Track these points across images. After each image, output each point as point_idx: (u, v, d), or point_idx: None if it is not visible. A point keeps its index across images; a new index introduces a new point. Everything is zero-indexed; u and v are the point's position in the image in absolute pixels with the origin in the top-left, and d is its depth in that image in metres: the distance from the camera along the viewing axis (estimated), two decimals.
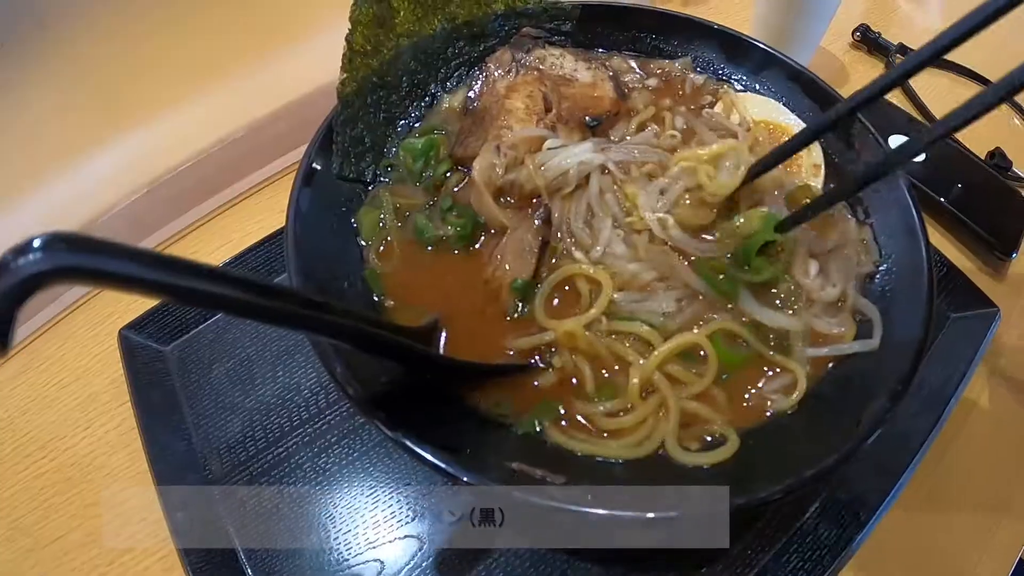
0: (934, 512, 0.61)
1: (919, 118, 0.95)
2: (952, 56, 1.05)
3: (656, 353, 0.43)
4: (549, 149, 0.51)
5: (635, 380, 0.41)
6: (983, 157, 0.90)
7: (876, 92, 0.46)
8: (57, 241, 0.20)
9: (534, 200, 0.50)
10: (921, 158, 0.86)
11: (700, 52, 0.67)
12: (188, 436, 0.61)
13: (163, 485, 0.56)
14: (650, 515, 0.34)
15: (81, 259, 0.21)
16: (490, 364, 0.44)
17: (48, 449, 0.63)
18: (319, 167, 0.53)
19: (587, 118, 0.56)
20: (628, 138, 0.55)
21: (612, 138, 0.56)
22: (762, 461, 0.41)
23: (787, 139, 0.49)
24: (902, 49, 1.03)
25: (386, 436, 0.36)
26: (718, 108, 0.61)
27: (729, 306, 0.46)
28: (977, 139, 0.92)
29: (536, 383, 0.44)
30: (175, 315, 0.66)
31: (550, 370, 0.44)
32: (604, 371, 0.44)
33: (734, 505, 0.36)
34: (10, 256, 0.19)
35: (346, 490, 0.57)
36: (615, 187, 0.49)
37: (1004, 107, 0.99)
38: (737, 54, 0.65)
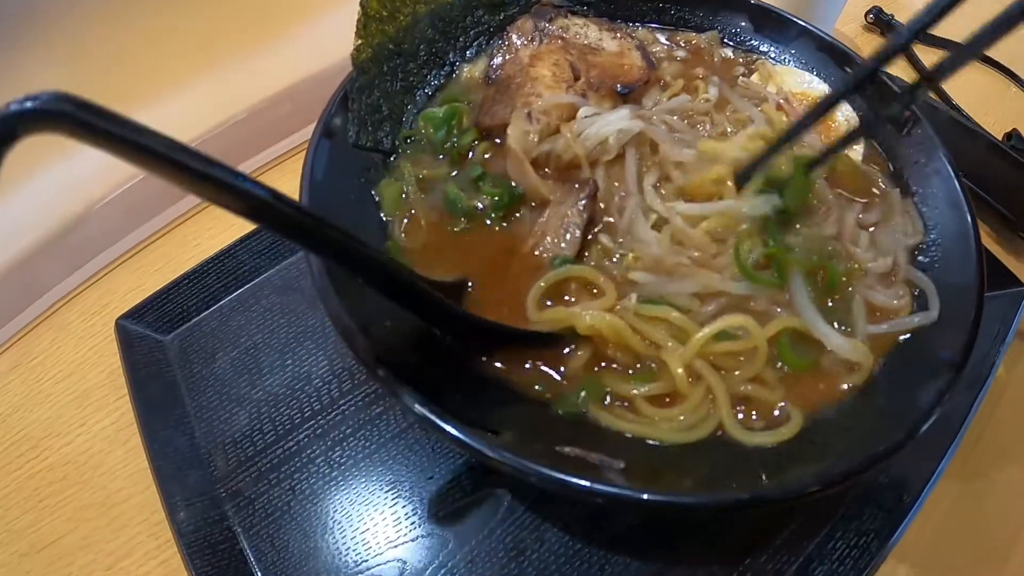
0: (974, 493, 0.59)
1: (938, 100, 0.94)
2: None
3: (695, 339, 0.39)
4: (585, 117, 0.48)
5: (679, 369, 0.38)
6: (1000, 139, 0.90)
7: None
8: (65, 97, 0.22)
9: (573, 171, 0.47)
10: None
11: (727, 24, 0.65)
12: (191, 430, 0.57)
13: (164, 483, 0.52)
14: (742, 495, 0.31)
15: (82, 112, 0.22)
16: (517, 328, 0.41)
17: (42, 447, 0.59)
18: (334, 136, 0.49)
19: (618, 86, 0.53)
20: (662, 106, 0.52)
21: (646, 105, 0.53)
22: (830, 440, 0.39)
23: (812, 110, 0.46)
24: (916, 31, 1.02)
25: (426, 422, 0.33)
26: (754, 78, 0.59)
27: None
28: (993, 121, 0.92)
29: (569, 360, 0.41)
30: (175, 302, 0.62)
31: (578, 352, 0.40)
32: (638, 357, 0.41)
33: (808, 484, 0.33)
34: (16, 100, 0.21)
35: (363, 485, 0.53)
36: (649, 163, 0.46)
37: (1016, 90, 0.99)
38: (765, 25, 0.63)
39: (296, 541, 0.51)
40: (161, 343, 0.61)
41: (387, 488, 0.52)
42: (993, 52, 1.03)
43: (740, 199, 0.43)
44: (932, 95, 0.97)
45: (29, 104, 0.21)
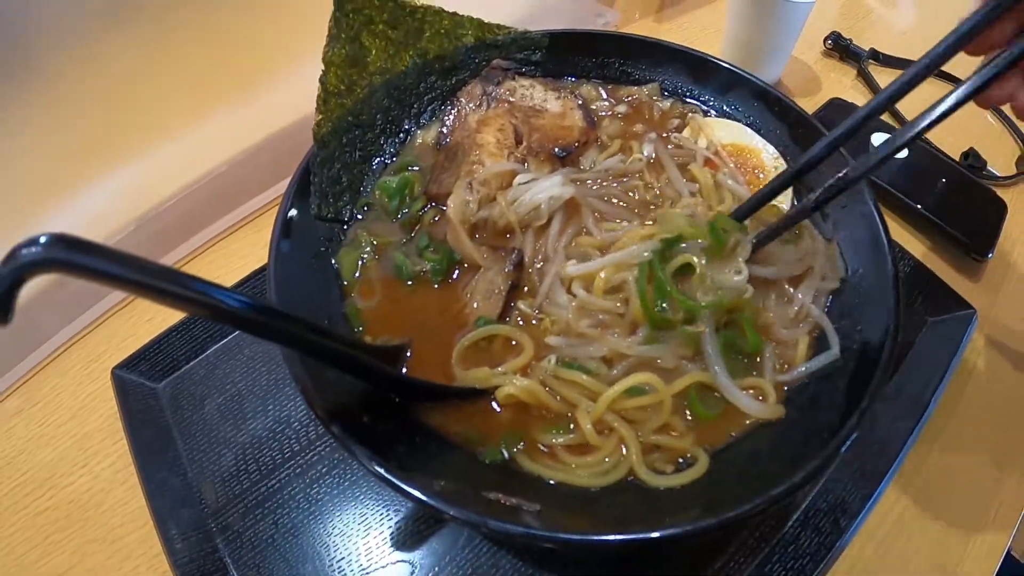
0: (915, 516, 0.62)
1: (892, 121, 0.96)
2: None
3: (603, 398, 0.43)
4: (520, 184, 0.52)
5: (588, 425, 0.42)
6: (957, 158, 0.92)
7: (850, 128, 0.47)
8: (58, 240, 0.27)
9: (508, 235, 0.52)
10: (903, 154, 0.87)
11: (667, 75, 0.69)
12: (183, 471, 0.62)
13: (161, 520, 0.58)
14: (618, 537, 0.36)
15: (75, 256, 0.27)
16: (448, 386, 0.46)
17: (47, 487, 0.64)
18: (298, 210, 0.54)
19: (556, 149, 0.57)
20: (596, 168, 0.57)
21: (582, 166, 0.58)
22: (733, 480, 0.43)
23: (762, 186, 0.50)
24: (874, 54, 1.05)
25: (373, 474, 0.38)
26: (686, 132, 0.63)
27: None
28: (951, 139, 0.93)
29: (495, 414, 0.46)
30: (166, 352, 0.68)
31: (499, 408, 0.45)
32: (552, 412, 0.45)
33: (704, 526, 0.37)
34: (19, 247, 0.26)
35: (338, 518, 0.58)
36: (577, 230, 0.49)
37: (975, 107, 1.01)
38: (703, 75, 0.67)
39: (280, 570, 0.56)
40: (154, 390, 0.67)
41: (359, 520, 0.58)
42: (950, 67, 1.05)
43: (626, 249, 0.47)
44: (887, 115, 0.99)
45: (34, 250, 0.27)
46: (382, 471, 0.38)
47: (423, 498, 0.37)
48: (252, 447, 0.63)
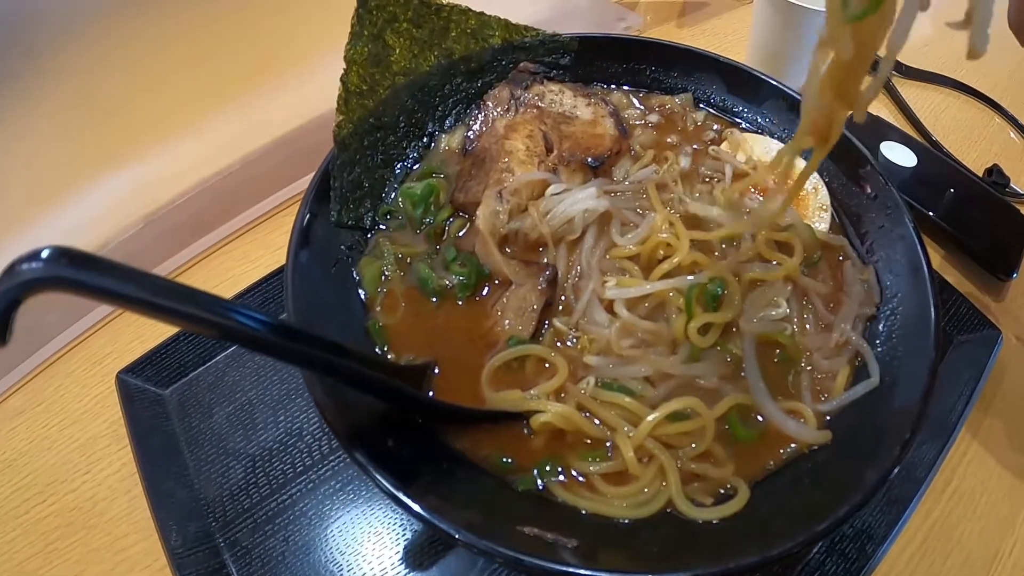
0: (941, 540, 0.61)
1: (916, 136, 0.95)
2: (948, 72, 1.04)
3: (645, 422, 0.41)
4: (553, 195, 0.50)
5: (629, 453, 0.41)
6: (980, 174, 0.90)
7: None
8: (61, 255, 0.24)
9: (540, 249, 0.50)
10: (912, 164, 0.85)
11: (700, 84, 0.66)
12: (190, 482, 0.60)
13: (167, 533, 0.56)
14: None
15: (80, 273, 0.25)
16: (478, 409, 0.44)
17: (48, 493, 0.62)
18: (317, 215, 0.52)
19: (589, 159, 0.55)
20: (629, 179, 0.55)
21: (615, 177, 0.56)
22: (774, 514, 0.41)
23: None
24: (898, 66, 1.03)
25: (400, 504, 0.36)
26: (724, 147, 0.61)
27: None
28: (974, 155, 0.92)
29: (529, 439, 0.44)
30: (173, 358, 0.66)
31: (533, 431, 0.43)
32: (594, 439, 0.43)
33: (750, 563, 0.36)
34: (18, 261, 0.24)
35: (352, 536, 0.56)
36: (609, 244, 0.48)
37: (1000, 121, 1.00)
38: (738, 85, 0.65)
39: None
40: (160, 397, 0.65)
41: (373, 540, 0.56)
42: (974, 81, 1.04)
43: (673, 279, 0.46)
44: (904, 121, 0.97)
45: (35, 266, 0.24)
46: (411, 503, 0.36)
47: (456, 535, 0.35)
48: (262, 459, 0.60)
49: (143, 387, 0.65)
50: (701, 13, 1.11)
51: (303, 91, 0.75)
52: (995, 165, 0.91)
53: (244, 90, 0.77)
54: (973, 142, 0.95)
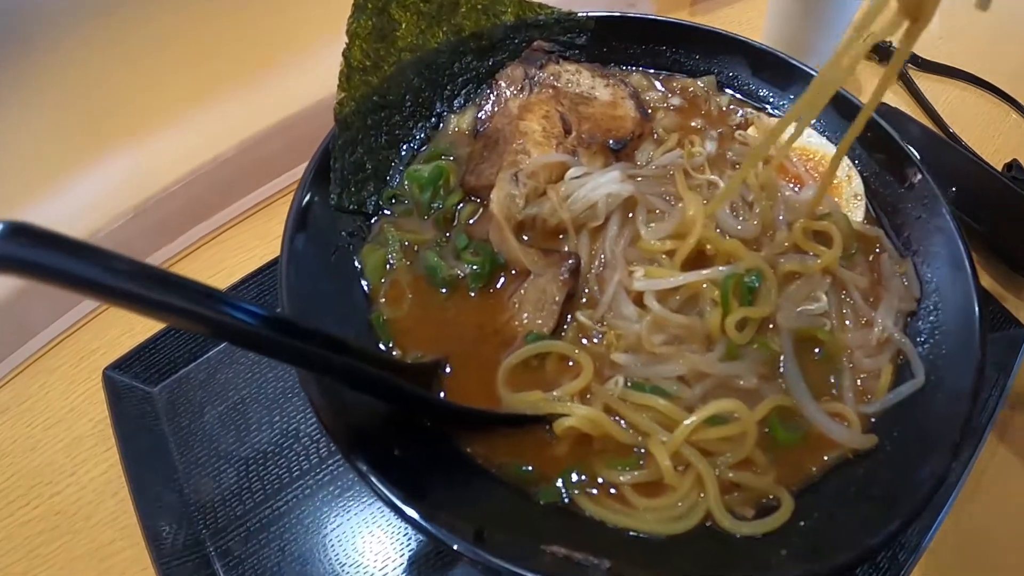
0: (973, 545, 0.58)
1: (934, 128, 0.92)
2: (966, 66, 1.01)
3: (682, 427, 0.37)
4: (573, 179, 0.46)
5: (666, 462, 0.37)
6: (1000, 169, 0.87)
7: None
8: (19, 232, 0.20)
9: (560, 236, 0.46)
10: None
11: (724, 67, 0.63)
12: (179, 487, 0.56)
13: (154, 540, 0.52)
14: None
15: (39, 254, 0.21)
16: (494, 412, 0.40)
17: (32, 495, 0.59)
18: (316, 198, 0.48)
19: (611, 141, 0.51)
20: (653, 163, 0.51)
21: (638, 162, 0.52)
22: (821, 527, 0.38)
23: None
24: (915, 59, 1.00)
25: (412, 523, 0.32)
26: (751, 131, 0.57)
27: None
28: (992, 150, 0.90)
29: (552, 444, 0.40)
30: (163, 353, 0.62)
31: (555, 437, 0.39)
32: (623, 445, 0.39)
33: None
34: None
35: (352, 547, 0.52)
36: (634, 232, 0.44)
37: (1017, 116, 0.97)
38: (763, 68, 0.61)
39: None
40: (149, 395, 0.61)
41: (376, 550, 0.52)
42: (991, 76, 1.01)
43: (707, 269, 0.42)
44: (924, 116, 0.94)
45: None
46: (424, 522, 0.32)
47: (478, 557, 0.31)
48: (256, 463, 0.56)
49: (131, 384, 0.61)
50: (714, 2, 1.08)
51: (302, 75, 0.71)
52: (1015, 160, 0.89)
53: (240, 73, 0.73)
54: (991, 136, 0.93)
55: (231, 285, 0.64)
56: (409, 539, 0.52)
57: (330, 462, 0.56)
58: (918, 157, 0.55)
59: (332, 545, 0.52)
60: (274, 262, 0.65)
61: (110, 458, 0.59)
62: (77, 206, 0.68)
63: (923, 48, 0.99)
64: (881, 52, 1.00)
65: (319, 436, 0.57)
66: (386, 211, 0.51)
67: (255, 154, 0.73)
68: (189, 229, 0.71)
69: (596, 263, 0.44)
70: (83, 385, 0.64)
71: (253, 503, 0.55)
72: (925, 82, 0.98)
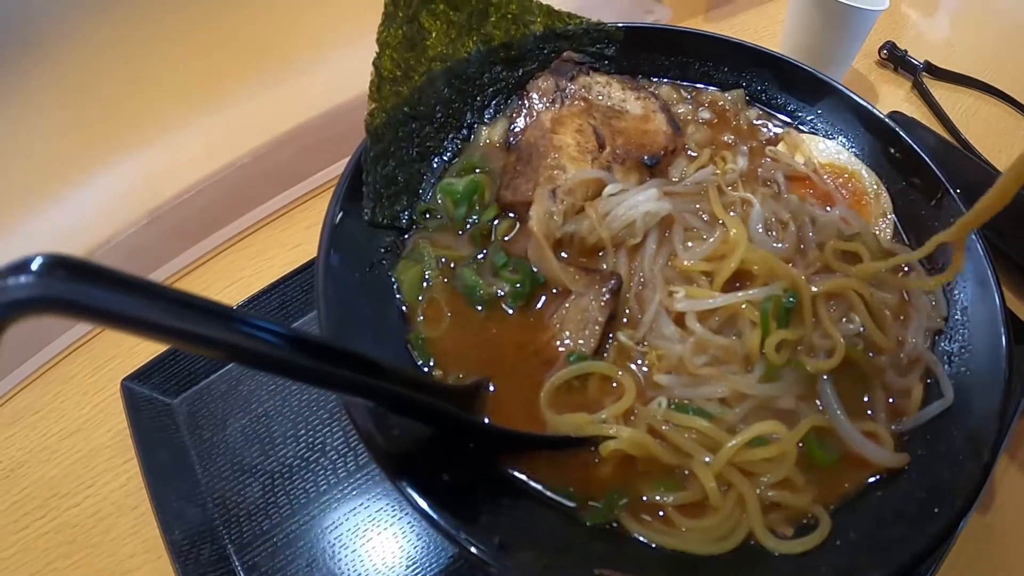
0: (987, 556, 0.59)
1: (949, 138, 0.93)
2: (982, 76, 1.01)
3: (725, 448, 0.38)
4: (610, 196, 0.46)
5: (711, 483, 0.37)
6: None
7: None
8: (57, 266, 0.18)
9: (599, 253, 0.45)
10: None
11: (752, 80, 0.63)
12: (203, 501, 0.56)
13: (178, 557, 0.51)
14: None
15: (82, 292, 0.19)
16: (538, 435, 0.40)
17: (49, 507, 0.57)
18: (348, 213, 0.47)
19: (645, 157, 0.51)
20: (688, 180, 0.51)
21: (672, 178, 0.52)
22: (857, 545, 0.38)
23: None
24: (929, 67, 1.01)
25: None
26: (781, 147, 0.57)
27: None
28: (1006, 160, 0.90)
29: (597, 467, 0.40)
30: (182, 364, 0.61)
31: (599, 458, 0.39)
32: (667, 466, 0.39)
33: None
34: (4, 274, 0.17)
35: (382, 562, 0.52)
36: (671, 251, 0.44)
37: None
38: (792, 82, 0.61)
39: None
40: (169, 406, 0.60)
41: (407, 565, 0.52)
42: (1003, 84, 1.02)
43: (745, 291, 0.42)
44: (946, 133, 0.96)
45: (23, 281, 0.17)
46: (482, 555, 0.32)
47: None
48: (282, 476, 0.56)
49: (150, 396, 0.60)
50: (728, 8, 1.08)
51: (322, 77, 0.70)
52: None
53: (259, 75, 0.71)
54: (1004, 145, 0.94)
55: (252, 295, 0.63)
56: (441, 553, 0.52)
57: (358, 475, 0.55)
58: (945, 175, 0.56)
59: (363, 560, 0.52)
60: (295, 272, 0.64)
61: (129, 470, 0.58)
62: (88, 212, 0.67)
63: (932, 55, 1.00)
64: (896, 61, 1.01)
65: (346, 450, 0.56)
66: (418, 225, 0.51)
67: (273, 159, 0.72)
68: (205, 237, 0.69)
69: (635, 282, 0.44)
70: (99, 395, 0.63)
71: (280, 517, 0.54)
72: (940, 91, 0.99)
